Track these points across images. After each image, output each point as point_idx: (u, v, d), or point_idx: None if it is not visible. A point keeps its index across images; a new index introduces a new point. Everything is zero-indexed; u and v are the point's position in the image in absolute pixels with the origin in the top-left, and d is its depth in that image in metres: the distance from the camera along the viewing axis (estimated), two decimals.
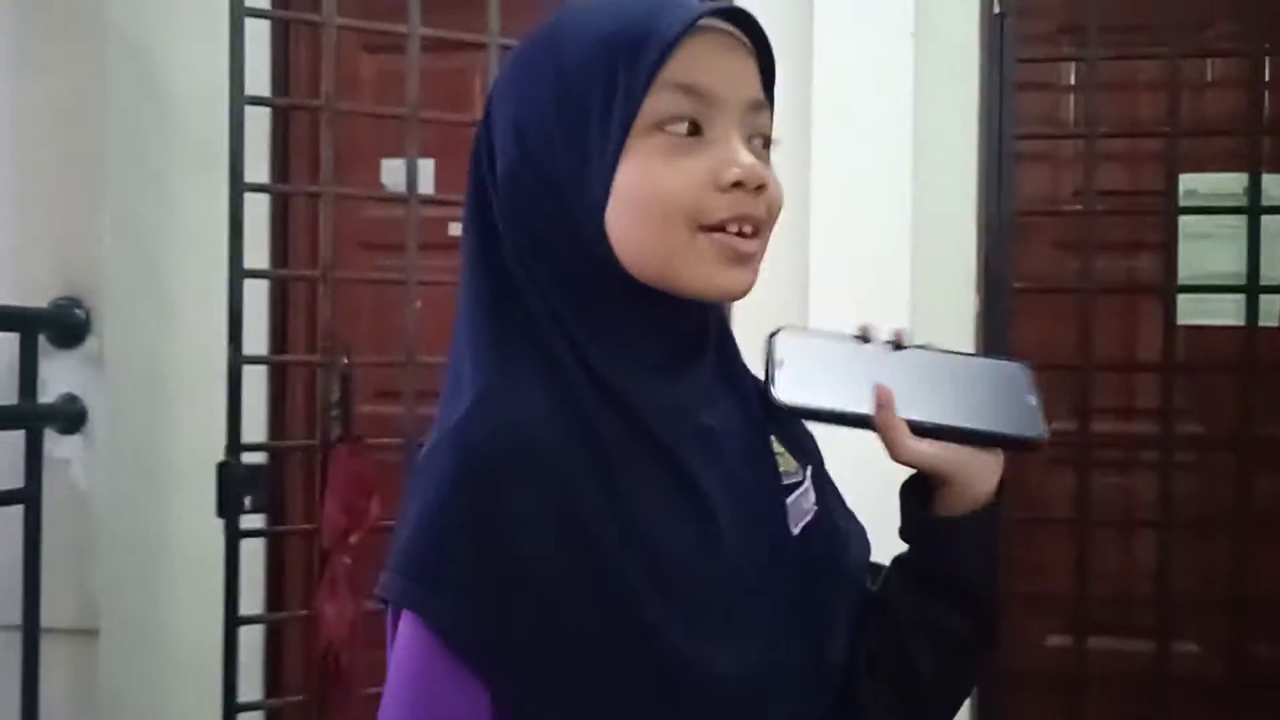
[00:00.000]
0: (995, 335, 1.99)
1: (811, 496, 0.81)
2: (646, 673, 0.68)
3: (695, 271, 0.71)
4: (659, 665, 0.68)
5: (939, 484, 0.76)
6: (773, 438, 0.81)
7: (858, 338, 0.79)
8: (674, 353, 0.75)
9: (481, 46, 1.90)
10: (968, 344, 2.00)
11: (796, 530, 0.78)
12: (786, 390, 0.74)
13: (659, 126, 0.71)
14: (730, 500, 0.74)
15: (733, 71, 0.73)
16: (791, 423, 0.83)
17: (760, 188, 0.72)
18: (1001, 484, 0.77)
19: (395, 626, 0.69)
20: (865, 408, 0.74)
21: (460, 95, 2.19)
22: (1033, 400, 0.77)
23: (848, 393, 0.75)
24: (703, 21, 0.71)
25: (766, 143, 0.76)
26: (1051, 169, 2.12)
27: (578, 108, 0.71)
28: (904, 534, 0.79)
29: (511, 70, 0.76)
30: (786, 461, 0.81)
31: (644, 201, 0.70)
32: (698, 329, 0.77)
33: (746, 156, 0.71)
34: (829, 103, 1.94)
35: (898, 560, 0.83)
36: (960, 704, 0.84)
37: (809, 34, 1.96)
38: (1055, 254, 2.10)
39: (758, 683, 0.72)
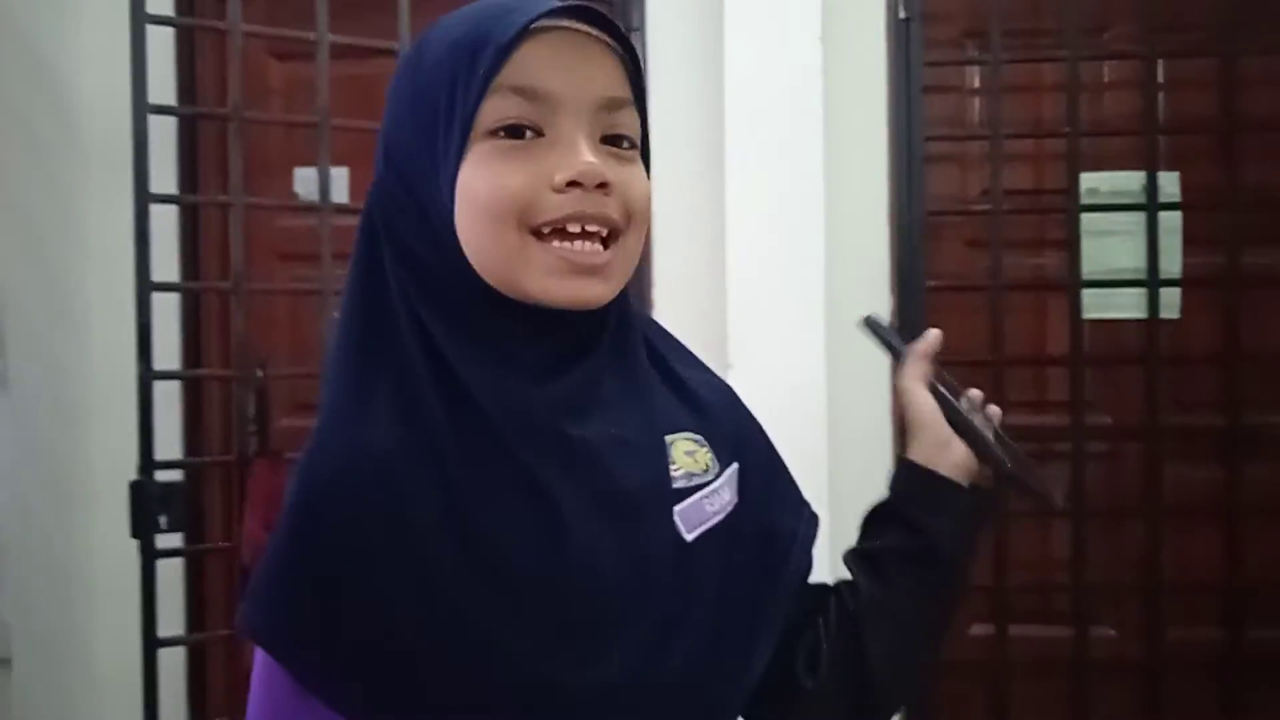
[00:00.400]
0: (910, 333, 2.03)
1: (725, 496, 0.79)
2: (486, 688, 0.68)
3: (537, 279, 0.71)
4: (500, 680, 0.68)
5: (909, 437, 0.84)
6: (687, 435, 0.79)
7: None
8: (545, 359, 0.74)
9: (392, 53, 1.88)
10: None
11: (691, 536, 0.76)
12: None
13: (495, 131, 0.71)
14: (596, 509, 0.72)
15: (577, 70, 0.72)
16: (722, 414, 0.83)
17: (602, 185, 0.71)
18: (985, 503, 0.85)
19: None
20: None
21: (372, 102, 2.12)
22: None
23: None
24: (548, 22, 0.71)
25: (633, 143, 0.75)
26: (959, 170, 2.17)
27: (428, 114, 0.72)
28: (892, 501, 0.86)
29: (391, 83, 0.77)
30: (696, 460, 0.79)
31: (478, 204, 0.71)
32: (580, 332, 0.75)
33: (586, 155, 0.70)
34: (740, 107, 1.96)
35: (857, 550, 0.86)
36: (906, 698, 0.86)
37: (719, 39, 1.98)
38: (965, 252, 2.15)
39: (626, 696, 0.71)
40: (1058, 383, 2.08)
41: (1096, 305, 2.07)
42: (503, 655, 0.68)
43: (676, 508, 0.76)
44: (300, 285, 2.02)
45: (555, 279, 0.71)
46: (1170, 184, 2.06)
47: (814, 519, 0.86)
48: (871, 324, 0.90)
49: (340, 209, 1.92)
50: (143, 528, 1.80)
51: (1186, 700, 2.03)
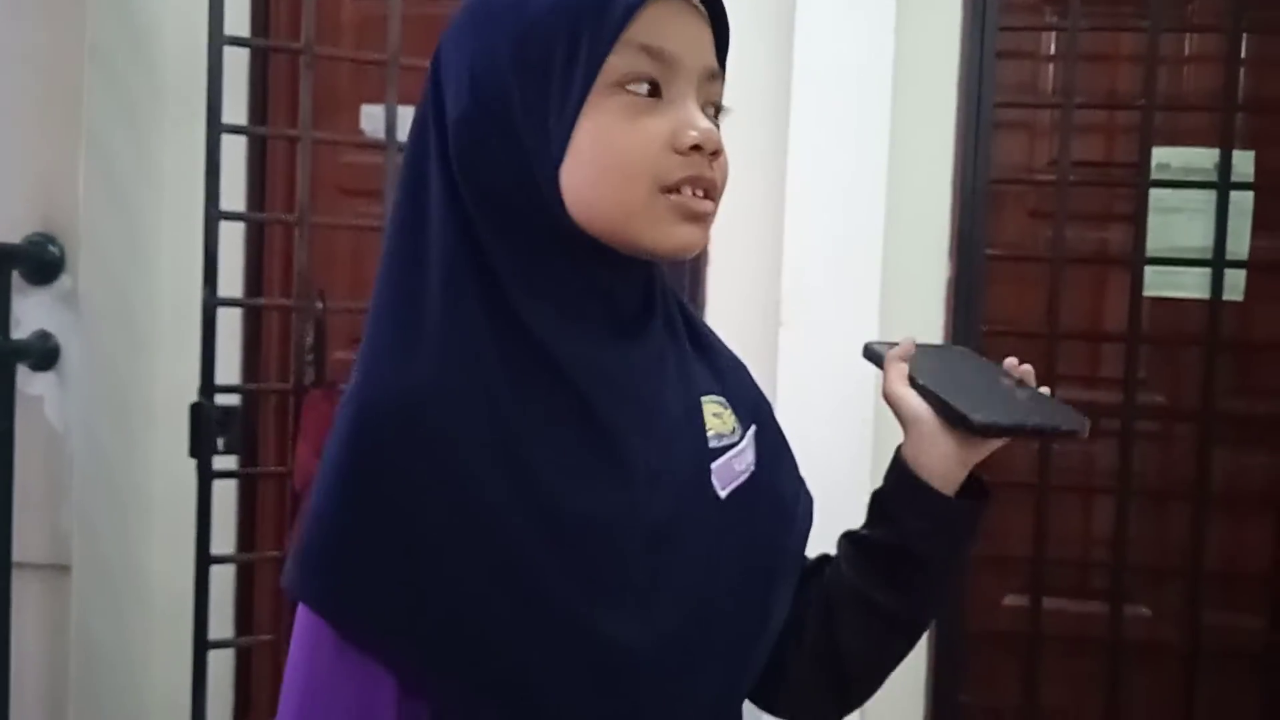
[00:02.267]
0: (966, 301, 2.02)
1: (749, 457, 0.83)
2: (549, 643, 0.68)
3: (653, 229, 0.72)
4: (561, 635, 0.68)
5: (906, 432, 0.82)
6: (714, 398, 0.82)
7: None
8: (619, 315, 0.76)
9: None
10: (938, 309, 2.03)
11: (724, 493, 0.79)
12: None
13: (620, 85, 0.71)
14: (657, 466, 0.75)
15: (692, 37, 0.74)
16: (738, 380, 0.86)
17: (716, 153, 0.73)
18: (981, 504, 0.82)
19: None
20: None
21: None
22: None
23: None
24: None
25: (718, 111, 0.77)
26: (1028, 138, 2.14)
27: (539, 61, 0.70)
28: (881, 490, 0.83)
29: (468, 16, 0.75)
30: (724, 421, 0.82)
31: (605, 160, 0.70)
32: (645, 291, 0.79)
33: (704, 121, 0.73)
34: (809, 65, 1.94)
35: (847, 533, 0.85)
36: (877, 686, 0.85)
37: (792, 2, 1.96)
38: (1028, 223, 2.12)
39: (673, 650, 0.73)
40: (1113, 359, 2.06)
41: (1159, 283, 2.04)
42: (567, 613, 0.69)
43: (714, 464, 0.79)
44: (362, 221, 2.05)
45: (666, 227, 0.72)
46: (1244, 163, 2.01)
47: (810, 498, 0.89)
48: (870, 353, 0.90)
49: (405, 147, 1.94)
50: (201, 448, 1.85)
51: (1222, 688, 2.02)
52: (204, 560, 1.86)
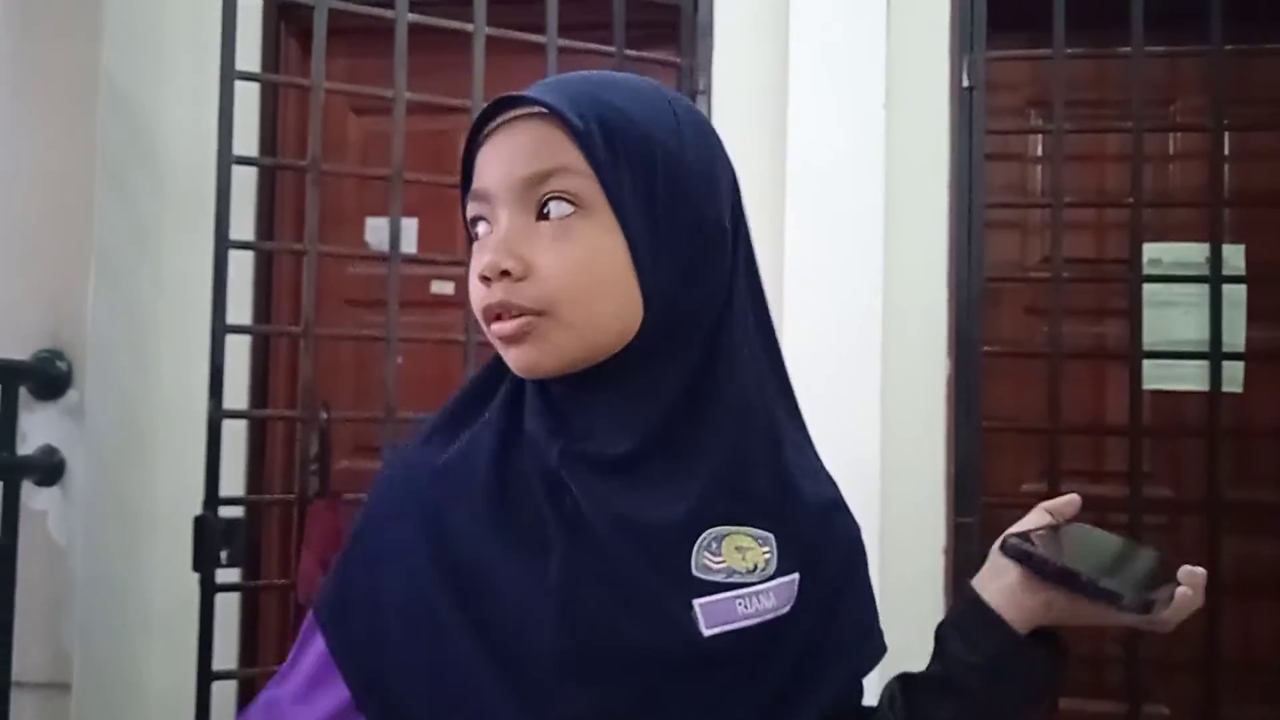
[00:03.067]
0: (966, 398, 2.03)
1: (768, 602, 0.76)
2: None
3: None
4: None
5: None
6: (747, 530, 0.76)
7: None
8: (596, 422, 0.76)
9: (465, 110, 1.95)
10: (939, 406, 2.04)
11: (711, 631, 0.73)
12: None
13: (472, 230, 0.79)
14: (604, 588, 0.73)
15: (502, 161, 0.75)
16: (807, 520, 0.80)
17: (506, 273, 0.73)
18: (1058, 653, 0.76)
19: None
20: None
21: (443, 156, 2.24)
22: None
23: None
24: (498, 120, 0.76)
25: (573, 201, 0.73)
26: (1020, 237, 2.18)
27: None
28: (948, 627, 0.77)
29: None
30: (745, 558, 0.76)
31: None
32: (632, 406, 0.76)
33: (487, 247, 0.75)
34: (803, 170, 2.00)
35: (903, 676, 0.80)
36: None
37: (784, 103, 2.02)
38: (1024, 319, 2.15)
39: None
40: (1116, 453, 2.06)
41: (1157, 376, 2.05)
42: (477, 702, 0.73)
43: (699, 600, 0.74)
44: (367, 331, 2.07)
45: (503, 353, 0.77)
46: (1235, 256, 2.04)
47: (879, 648, 0.83)
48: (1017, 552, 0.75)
49: (409, 259, 1.97)
50: (204, 562, 1.84)
51: None
52: (205, 676, 1.83)
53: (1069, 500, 0.80)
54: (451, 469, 0.78)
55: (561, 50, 1.98)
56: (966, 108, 2.05)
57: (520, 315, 0.73)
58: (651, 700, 0.72)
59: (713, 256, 0.77)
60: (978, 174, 2.05)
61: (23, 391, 1.96)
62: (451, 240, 2.21)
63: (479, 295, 0.75)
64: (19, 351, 1.99)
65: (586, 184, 0.73)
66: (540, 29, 1.98)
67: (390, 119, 1.93)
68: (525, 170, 0.73)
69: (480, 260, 0.74)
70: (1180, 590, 0.72)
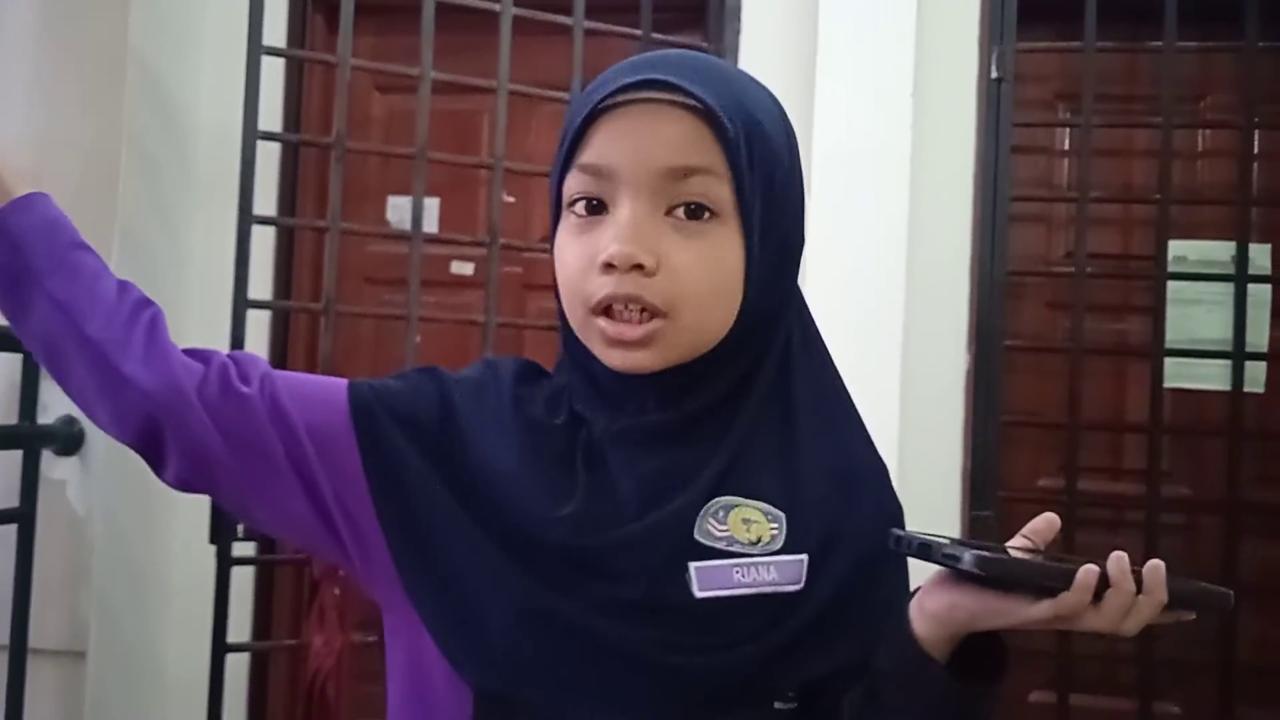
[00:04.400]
0: (985, 392, 2.02)
1: (767, 574, 0.75)
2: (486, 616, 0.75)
3: (595, 348, 0.76)
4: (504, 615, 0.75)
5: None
6: (758, 505, 0.76)
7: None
8: (644, 409, 0.78)
9: (490, 91, 1.94)
10: (958, 399, 2.03)
11: (703, 594, 0.74)
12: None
13: (570, 205, 0.76)
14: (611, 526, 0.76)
15: (638, 144, 0.72)
16: (830, 503, 0.79)
17: (639, 267, 0.71)
18: (995, 667, 0.74)
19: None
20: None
21: (467, 137, 2.24)
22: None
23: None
24: (625, 96, 0.73)
25: (712, 210, 0.73)
26: (1044, 231, 2.16)
27: (551, 188, 0.79)
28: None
29: None
30: (750, 531, 0.76)
31: (559, 279, 0.77)
32: (669, 393, 0.77)
33: (622, 237, 0.71)
34: (828, 159, 1.98)
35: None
36: None
37: (810, 92, 2.01)
38: (1046, 314, 2.13)
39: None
40: (1135, 451, 2.05)
41: (1179, 375, 2.04)
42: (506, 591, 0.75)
43: (695, 564, 0.74)
44: (387, 310, 2.07)
45: (600, 348, 0.75)
46: (1261, 256, 2.03)
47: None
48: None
49: (430, 238, 1.97)
50: (221, 535, 1.85)
51: None
52: (220, 648, 1.85)
53: (1047, 521, 0.74)
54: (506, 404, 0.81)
55: (588, 33, 1.97)
56: (994, 99, 2.03)
57: (648, 316, 0.72)
58: (645, 627, 0.74)
59: (794, 266, 0.81)
60: (1003, 166, 2.03)
61: None
62: (472, 221, 2.21)
63: (596, 283, 0.72)
64: None
65: (723, 188, 0.73)
66: (567, 10, 1.97)
67: (415, 98, 1.92)
68: (668, 161, 0.72)
69: (599, 245, 0.72)
70: (1085, 568, 0.68)
